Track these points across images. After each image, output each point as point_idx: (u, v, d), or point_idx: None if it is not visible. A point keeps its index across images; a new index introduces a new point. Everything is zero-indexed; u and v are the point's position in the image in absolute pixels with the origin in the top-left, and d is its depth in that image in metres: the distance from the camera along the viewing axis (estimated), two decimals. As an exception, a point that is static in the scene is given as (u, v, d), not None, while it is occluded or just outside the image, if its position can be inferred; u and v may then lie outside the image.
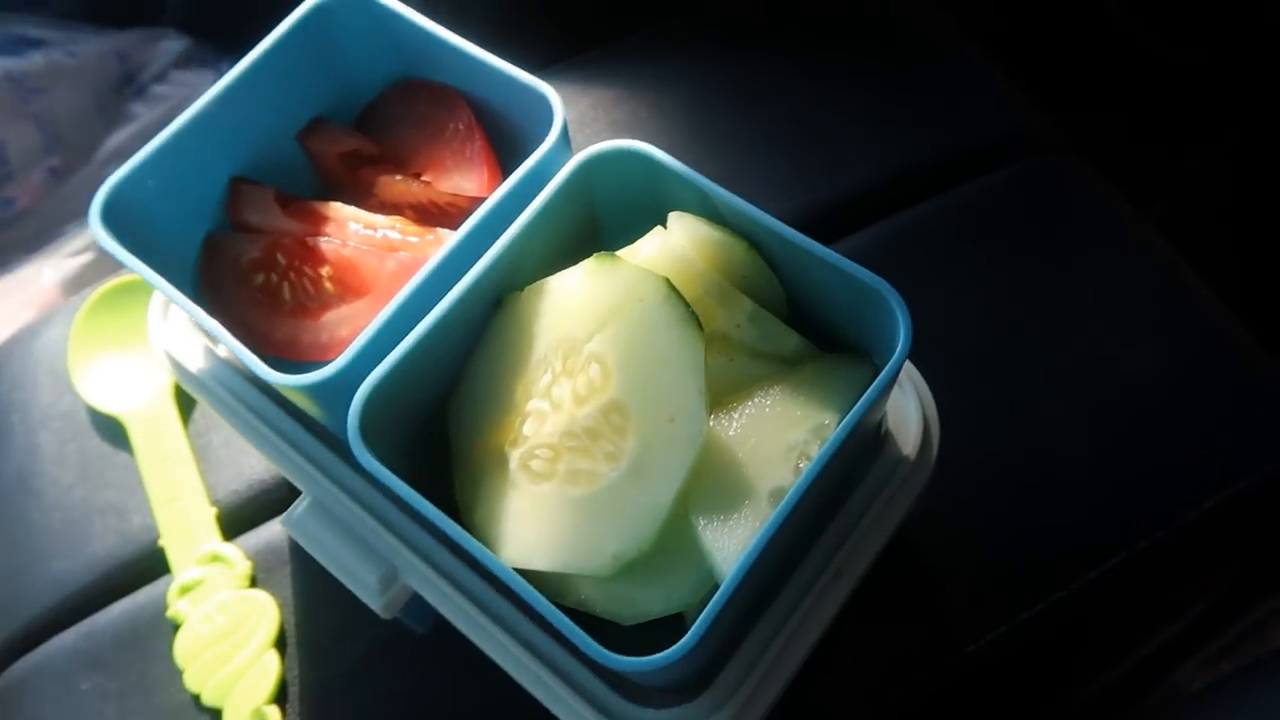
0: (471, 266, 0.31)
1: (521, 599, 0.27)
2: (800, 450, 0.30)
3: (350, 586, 0.34)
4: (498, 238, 0.32)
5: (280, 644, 0.44)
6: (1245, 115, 0.74)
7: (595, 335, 0.31)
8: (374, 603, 0.34)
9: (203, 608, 0.44)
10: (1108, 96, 0.74)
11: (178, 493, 0.47)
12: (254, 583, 0.45)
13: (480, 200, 0.34)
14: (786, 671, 0.31)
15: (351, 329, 0.36)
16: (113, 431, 0.50)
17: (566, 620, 0.26)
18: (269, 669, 0.43)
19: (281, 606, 0.45)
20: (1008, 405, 0.46)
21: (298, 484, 0.36)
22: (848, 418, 0.28)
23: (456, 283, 0.31)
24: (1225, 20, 0.70)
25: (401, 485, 0.28)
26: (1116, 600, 0.45)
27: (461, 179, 0.38)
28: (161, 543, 0.46)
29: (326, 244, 0.37)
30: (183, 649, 0.44)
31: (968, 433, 0.40)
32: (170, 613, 0.45)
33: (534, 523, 0.30)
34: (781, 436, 0.31)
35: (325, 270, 0.37)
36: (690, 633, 0.26)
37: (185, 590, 0.45)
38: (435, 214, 0.38)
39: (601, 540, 0.29)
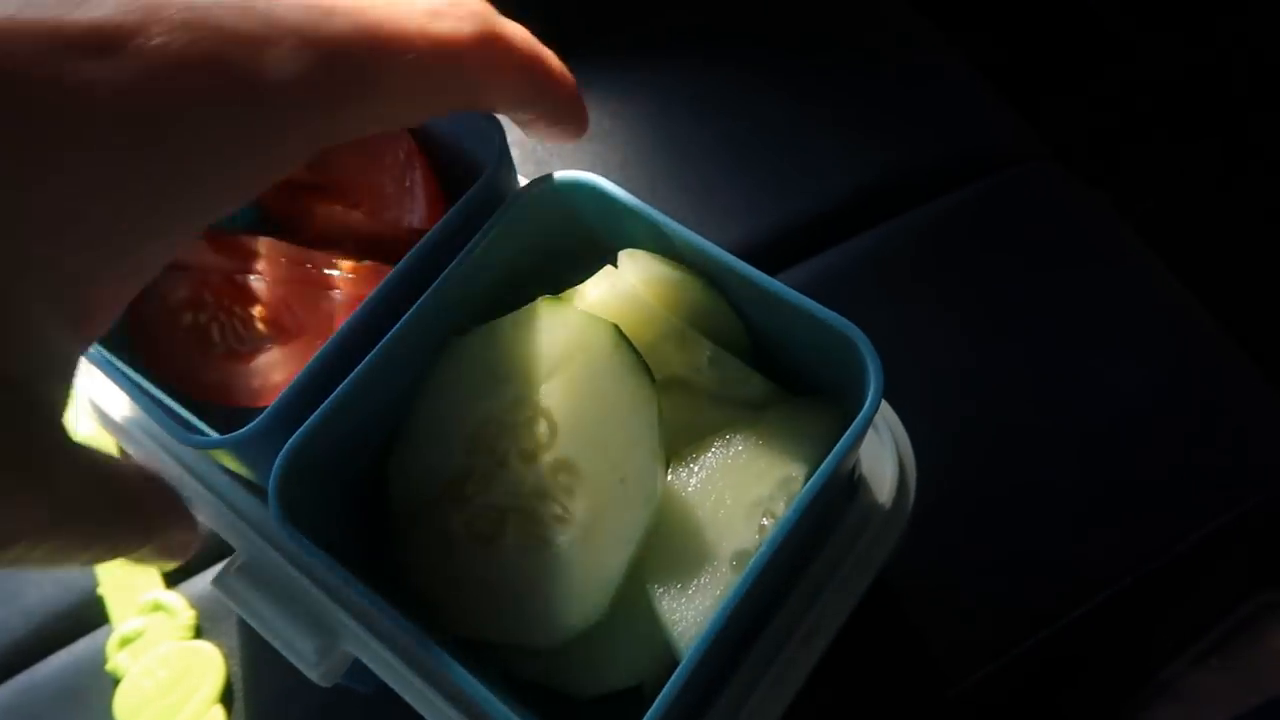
0: (411, 305, 0.29)
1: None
2: (765, 508, 0.28)
3: (286, 655, 0.32)
4: (439, 273, 0.29)
5: (226, 698, 0.42)
6: (1232, 114, 0.72)
7: (542, 386, 0.28)
8: (311, 673, 0.32)
9: (144, 660, 0.42)
10: (1094, 94, 0.73)
11: (117, 536, 0.45)
12: (198, 633, 0.43)
13: (422, 233, 0.31)
14: (757, 744, 0.29)
15: (285, 373, 0.33)
16: (50, 470, 0.47)
17: (501, 708, 0.24)
18: (215, 725, 0.41)
19: (227, 657, 0.42)
20: (987, 430, 0.44)
21: (230, 541, 0.33)
22: (817, 473, 0.26)
23: (395, 323, 0.29)
24: (1212, 20, 0.68)
25: (325, 559, 0.26)
26: (1105, 633, 0.44)
27: (402, 210, 0.35)
28: (100, 591, 0.44)
29: (257, 281, 0.34)
30: (124, 705, 0.41)
31: (945, 464, 0.38)
32: (110, 665, 0.42)
33: (479, 589, 0.28)
34: (745, 492, 0.28)
35: (257, 310, 0.34)
36: (649, 713, 0.24)
37: (126, 641, 0.42)
38: (376, 248, 0.35)
39: (551, 609, 0.27)
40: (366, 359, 0.28)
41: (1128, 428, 0.44)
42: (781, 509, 0.28)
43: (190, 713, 0.41)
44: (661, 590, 0.27)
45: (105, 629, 0.43)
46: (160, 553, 0.24)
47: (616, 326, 0.28)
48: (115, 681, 0.42)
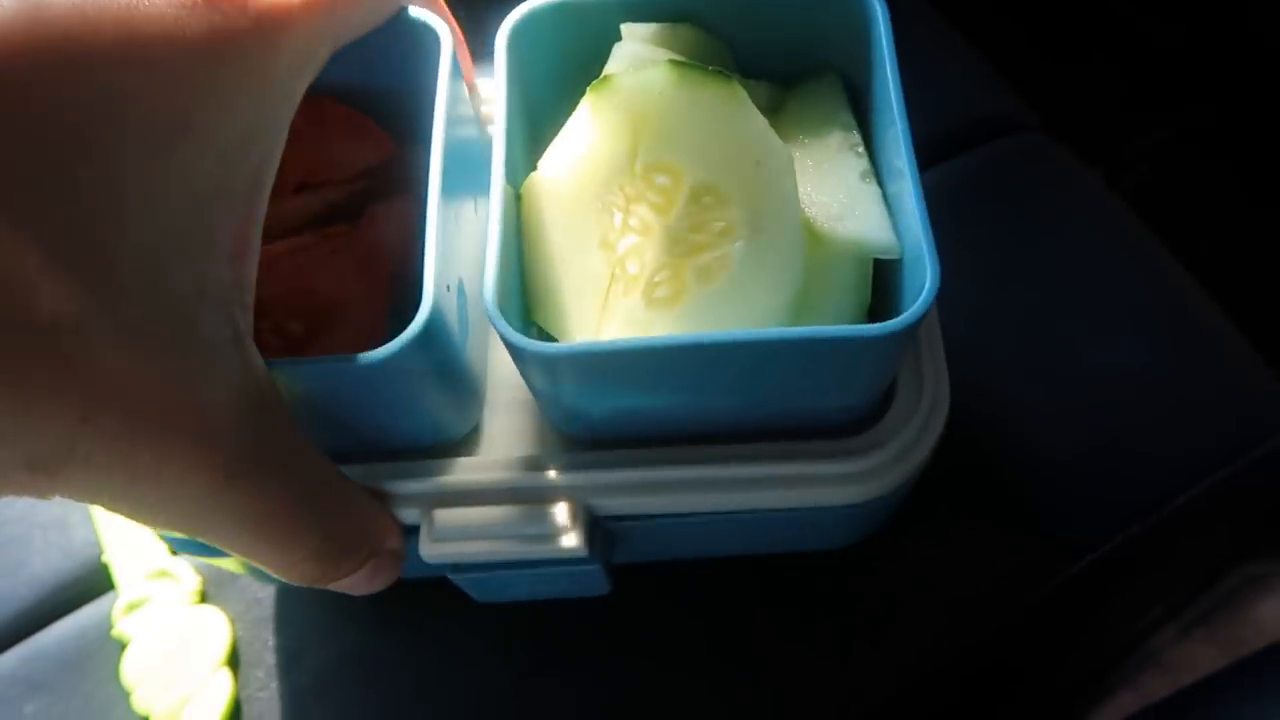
0: (455, 189, 0.28)
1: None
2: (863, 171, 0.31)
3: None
4: (468, 149, 0.29)
5: (233, 662, 0.42)
6: (1222, 86, 0.73)
7: (639, 149, 0.28)
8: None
9: (151, 626, 0.42)
10: (1084, 65, 0.73)
11: (121, 505, 0.45)
12: (204, 599, 0.44)
13: (381, 162, 0.31)
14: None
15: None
16: (52, 441, 0.47)
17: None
18: (222, 688, 0.41)
19: (234, 622, 0.43)
20: (976, 397, 0.44)
21: None
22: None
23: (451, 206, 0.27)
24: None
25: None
26: (1089, 599, 0.45)
27: (344, 152, 0.32)
28: (105, 558, 0.44)
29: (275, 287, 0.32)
30: (130, 669, 0.42)
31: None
32: (116, 632, 0.43)
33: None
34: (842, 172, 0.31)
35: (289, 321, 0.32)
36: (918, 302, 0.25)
37: (132, 608, 0.43)
38: (336, 214, 0.32)
39: (765, 301, 0.27)
40: (495, 214, 0.27)
41: (1113, 396, 0.45)
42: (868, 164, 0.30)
43: (197, 678, 0.41)
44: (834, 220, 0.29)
45: (111, 596, 0.44)
46: (373, 571, 0.28)
47: (673, 58, 0.28)
48: (122, 647, 0.42)
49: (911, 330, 0.24)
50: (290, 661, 0.42)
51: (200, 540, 0.23)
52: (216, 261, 0.21)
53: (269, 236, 0.29)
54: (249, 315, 0.23)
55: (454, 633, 0.42)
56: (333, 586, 0.27)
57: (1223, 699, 0.48)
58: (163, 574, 0.43)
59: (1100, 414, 0.45)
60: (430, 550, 0.29)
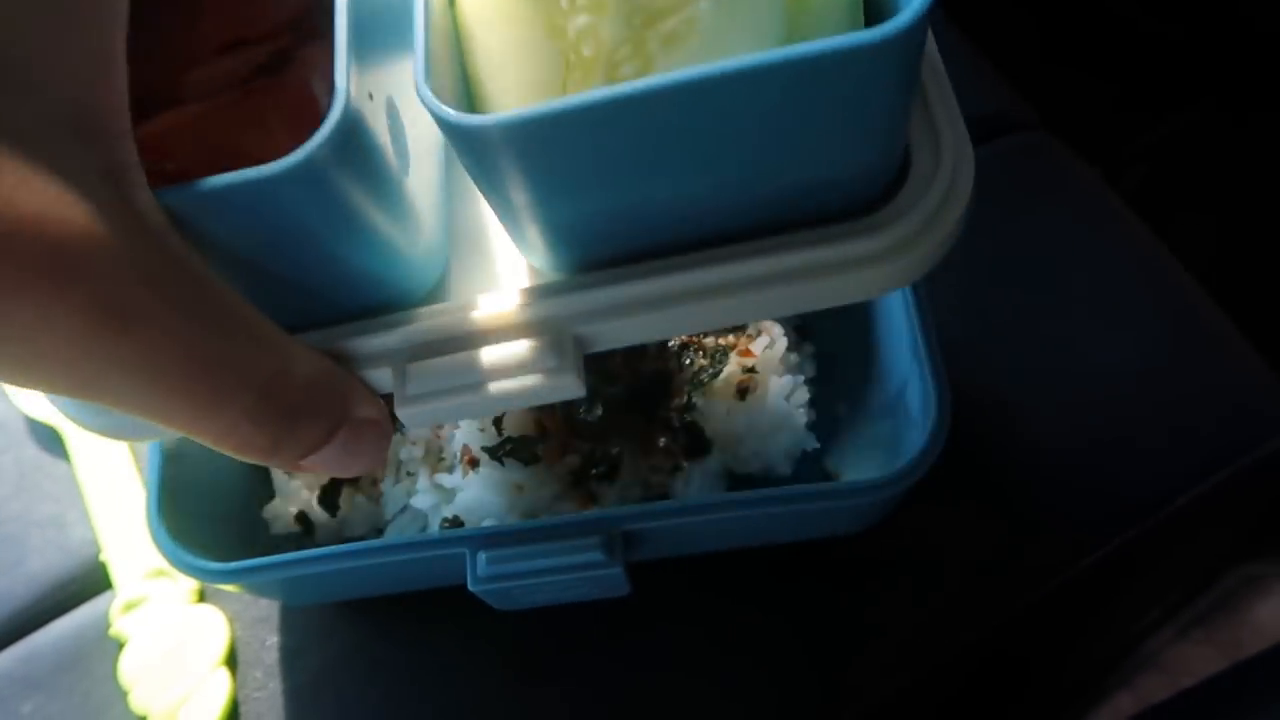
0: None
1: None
2: None
3: None
4: None
5: (231, 661, 0.42)
6: (1220, 84, 0.73)
7: None
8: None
9: (148, 625, 0.42)
10: (1084, 64, 0.73)
11: (119, 504, 0.45)
12: (202, 597, 0.43)
13: (305, 9, 0.27)
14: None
15: None
16: (50, 440, 0.47)
17: None
18: (220, 688, 0.41)
19: (231, 622, 0.43)
20: (977, 395, 0.44)
21: None
22: None
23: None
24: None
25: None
26: (1095, 594, 0.45)
27: (263, 5, 0.28)
28: (103, 557, 0.44)
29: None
30: (128, 668, 0.42)
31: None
32: (114, 631, 0.42)
33: None
34: None
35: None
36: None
37: (129, 607, 0.43)
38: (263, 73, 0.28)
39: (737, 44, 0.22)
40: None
41: (1113, 395, 0.45)
42: None
43: (195, 677, 0.41)
44: None
45: (108, 595, 0.44)
46: (349, 443, 0.24)
47: None
48: (119, 646, 0.42)
49: (915, 37, 0.20)
50: (289, 661, 0.42)
51: (112, 407, 0.20)
52: (73, 86, 0.19)
53: (190, 103, 0.28)
54: (126, 146, 0.20)
55: (453, 632, 0.41)
56: (307, 465, 0.24)
57: (1220, 701, 0.48)
58: (161, 573, 0.43)
59: (1100, 413, 0.45)
60: (408, 412, 0.26)
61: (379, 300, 0.27)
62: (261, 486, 0.42)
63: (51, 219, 0.18)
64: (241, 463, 0.42)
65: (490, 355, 0.25)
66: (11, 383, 0.20)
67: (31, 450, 0.48)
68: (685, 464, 0.39)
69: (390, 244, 0.25)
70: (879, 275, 0.25)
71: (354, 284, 0.26)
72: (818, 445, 0.41)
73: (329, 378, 0.24)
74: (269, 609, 0.43)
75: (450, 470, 0.39)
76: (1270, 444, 0.44)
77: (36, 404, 0.48)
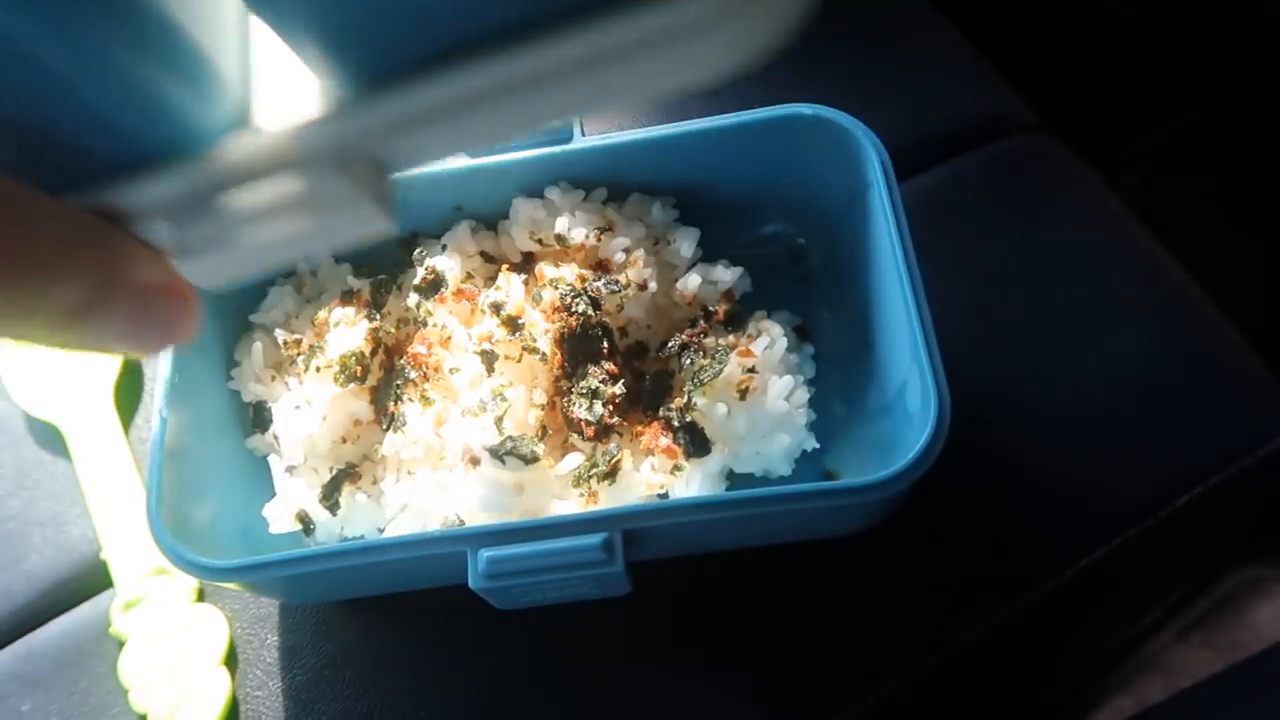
0: None
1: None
2: None
3: None
4: None
5: (231, 661, 0.42)
6: (1216, 88, 0.73)
7: None
8: None
9: (148, 623, 0.42)
10: (1084, 65, 0.73)
11: (120, 502, 0.45)
12: (202, 596, 0.43)
13: None
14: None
15: None
16: (50, 438, 0.47)
17: None
18: (219, 687, 0.41)
19: (231, 621, 0.43)
20: (978, 398, 0.44)
21: None
22: None
23: None
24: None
25: None
26: (1094, 595, 0.45)
27: None
28: (104, 556, 0.44)
29: None
30: (128, 667, 0.42)
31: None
32: (113, 629, 0.42)
33: None
34: None
35: None
36: None
37: (129, 606, 0.43)
38: None
39: None
40: None
41: (1113, 398, 0.45)
42: None
43: (194, 675, 0.41)
44: None
45: (109, 593, 0.44)
46: (130, 312, 0.22)
47: None
48: (119, 645, 0.42)
49: None
50: (288, 660, 0.42)
51: None
52: None
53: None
54: None
55: (453, 633, 0.41)
56: (90, 336, 0.21)
57: (1219, 702, 0.48)
58: (161, 572, 0.43)
59: (1099, 413, 0.45)
60: (192, 267, 0.23)
61: (152, 145, 0.23)
62: (262, 485, 0.42)
63: None
64: (241, 462, 0.42)
65: (274, 189, 0.22)
66: None
67: (31, 449, 0.48)
68: (685, 463, 0.39)
69: (157, 79, 0.21)
70: (715, 45, 0.21)
71: (116, 130, 0.22)
72: (817, 445, 0.41)
73: (82, 229, 0.21)
74: (269, 608, 0.43)
75: (451, 469, 0.39)
76: (1270, 445, 0.44)
77: (37, 402, 0.48)
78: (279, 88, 0.23)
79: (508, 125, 0.22)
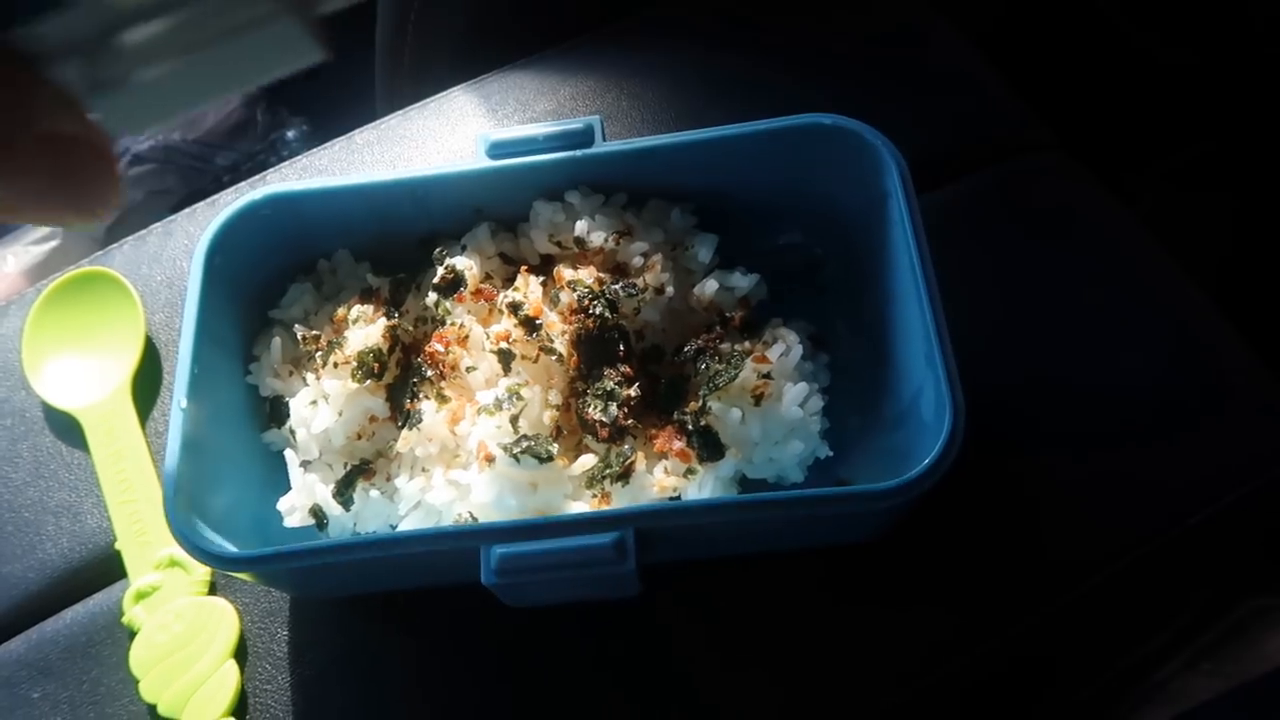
0: None
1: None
2: None
3: None
4: None
5: (240, 653, 0.42)
6: (1231, 115, 0.73)
7: None
8: None
9: (160, 614, 0.42)
10: (1102, 89, 0.73)
11: (134, 494, 0.45)
12: (213, 589, 0.44)
13: None
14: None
15: None
16: (68, 429, 0.48)
17: None
18: (228, 679, 0.41)
19: (241, 614, 0.43)
20: (1000, 414, 0.44)
21: None
22: None
23: None
24: (1216, 21, 0.69)
25: None
26: (1100, 614, 0.44)
27: None
28: (118, 546, 0.44)
29: None
30: (138, 657, 0.42)
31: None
32: (125, 619, 0.43)
33: None
34: None
35: None
36: None
37: (141, 596, 0.43)
38: None
39: None
40: None
41: (1128, 417, 0.45)
42: None
43: (204, 667, 0.41)
44: None
45: (121, 584, 0.44)
46: (53, 165, 0.20)
47: None
48: (131, 634, 0.42)
49: None
50: (297, 655, 0.42)
51: None
52: None
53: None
54: None
55: (462, 631, 0.41)
56: (13, 198, 0.20)
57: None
58: (173, 563, 0.43)
59: (1112, 432, 0.45)
60: (109, 111, 0.21)
61: None
62: (277, 480, 0.42)
63: None
64: (257, 456, 0.43)
65: (192, 9, 0.21)
66: None
67: (49, 438, 0.48)
68: (699, 467, 0.39)
69: None
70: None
71: None
72: (830, 453, 0.41)
73: None
74: (279, 602, 0.43)
75: (465, 467, 0.39)
76: (1281, 468, 0.44)
77: (56, 393, 0.48)
78: None
79: None
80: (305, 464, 0.41)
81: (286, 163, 0.56)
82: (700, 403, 0.39)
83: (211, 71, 0.22)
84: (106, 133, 0.22)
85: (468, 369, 0.40)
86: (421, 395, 0.40)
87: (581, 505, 0.38)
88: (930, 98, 0.54)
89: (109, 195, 0.22)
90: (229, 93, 0.24)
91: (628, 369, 0.40)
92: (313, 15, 0.21)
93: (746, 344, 0.41)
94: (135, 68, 0.21)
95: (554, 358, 0.40)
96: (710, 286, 0.42)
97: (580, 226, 0.42)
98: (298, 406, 0.41)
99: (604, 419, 0.38)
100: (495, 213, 0.45)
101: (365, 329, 0.42)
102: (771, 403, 0.40)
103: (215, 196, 0.55)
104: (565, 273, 0.41)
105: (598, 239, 0.42)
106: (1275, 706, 0.49)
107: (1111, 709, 0.68)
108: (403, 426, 0.40)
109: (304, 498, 0.41)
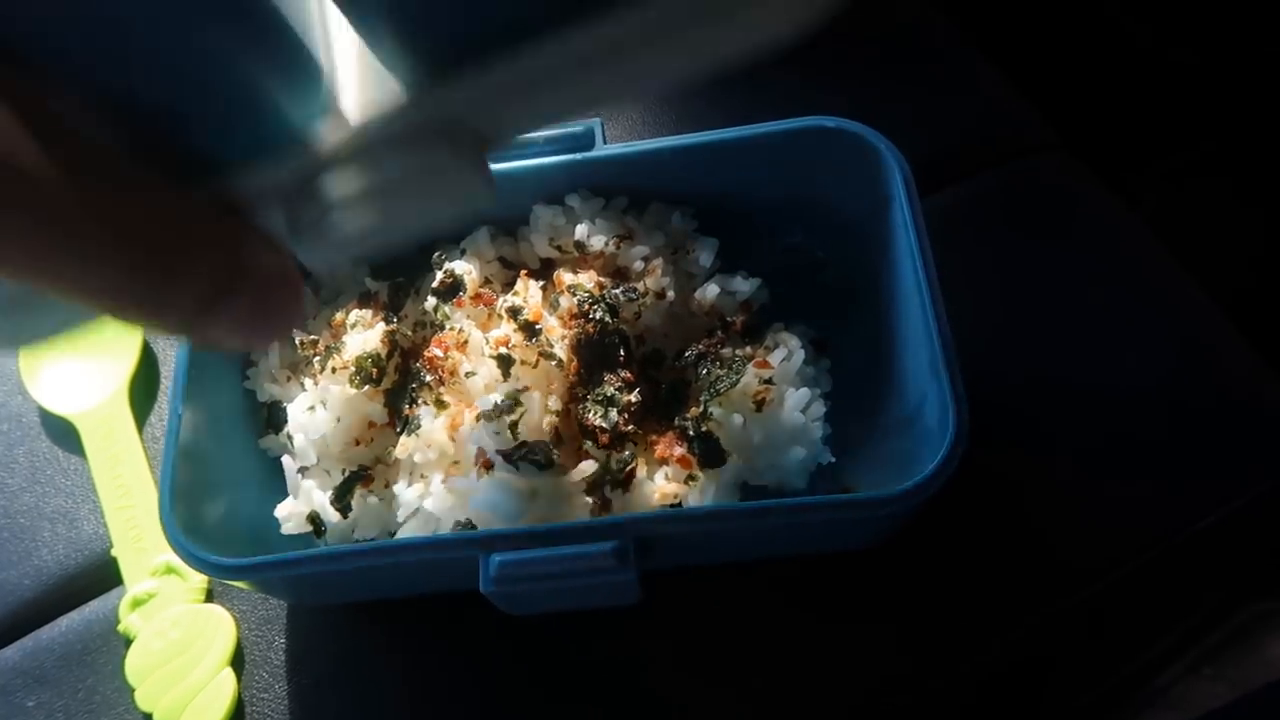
0: None
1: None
2: None
3: None
4: None
5: (237, 661, 0.42)
6: (1234, 115, 0.73)
7: None
8: None
9: (156, 622, 0.42)
10: (1107, 89, 0.73)
11: (131, 500, 0.45)
12: (210, 596, 0.43)
13: None
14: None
15: None
16: (64, 434, 0.48)
17: None
18: (225, 687, 0.41)
19: (238, 622, 0.42)
20: (1003, 416, 0.44)
21: None
22: None
23: None
24: (1220, 21, 0.69)
25: None
26: (1103, 620, 0.44)
27: None
28: (114, 552, 0.44)
29: None
30: (134, 666, 0.41)
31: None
32: (121, 627, 0.42)
33: None
34: None
35: None
36: None
37: (137, 603, 0.43)
38: None
39: None
40: None
41: (1132, 419, 0.45)
42: None
43: (200, 675, 0.41)
44: None
45: (117, 590, 0.44)
46: (254, 298, 0.22)
47: None
48: (127, 642, 0.42)
49: None
50: (294, 663, 0.42)
51: None
52: None
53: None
54: None
55: (460, 639, 0.41)
56: (211, 328, 0.21)
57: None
58: (170, 570, 0.43)
59: (1117, 436, 0.44)
60: (308, 247, 0.24)
61: (260, 135, 0.24)
62: (275, 486, 0.42)
63: None
64: (254, 462, 0.42)
65: (382, 167, 0.23)
66: None
67: (45, 444, 0.48)
68: (700, 474, 0.38)
69: (261, 74, 0.23)
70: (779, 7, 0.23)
71: (224, 124, 0.23)
72: (833, 459, 0.40)
73: (205, 220, 0.22)
74: (276, 610, 0.43)
75: (464, 473, 0.38)
76: (1289, 472, 0.44)
77: (53, 398, 0.48)
78: (359, 76, 0.24)
79: (577, 100, 0.23)
80: (303, 470, 0.41)
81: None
82: (701, 408, 0.39)
83: (399, 218, 0.24)
84: (302, 269, 0.24)
85: (467, 374, 0.40)
86: (420, 401, 0.40)
87: (581, 512, 0.38)
88: (932, 99, 0.54)
89: (298, 319, 0.24)
90: (412, 236, 0.26)
91: (628, 374, 0.39)
92: (485, 162, 0.24)
93: (748, 349, 0.41)
94: (331, 214, 0.23)
95: (554, 363, 0.39)
96: (711, 291, 0.42)
97: (580, 230, 0.42)
98: (295, 412, 0.41)
99: (604, 425, 0.38)
100: (494, 216, 0.44)
101: (363, 333, 0.41)
102: (773, 408, 0.39)
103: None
104: (565, 277, 0.41)
105: (598, 243, 0.42)
106: (1278, 713, 0.48)
107: (1114, 714, 0.68)
108: (401, 432, 0.40)
109: (301, 504, 0.40)
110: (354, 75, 0.25)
